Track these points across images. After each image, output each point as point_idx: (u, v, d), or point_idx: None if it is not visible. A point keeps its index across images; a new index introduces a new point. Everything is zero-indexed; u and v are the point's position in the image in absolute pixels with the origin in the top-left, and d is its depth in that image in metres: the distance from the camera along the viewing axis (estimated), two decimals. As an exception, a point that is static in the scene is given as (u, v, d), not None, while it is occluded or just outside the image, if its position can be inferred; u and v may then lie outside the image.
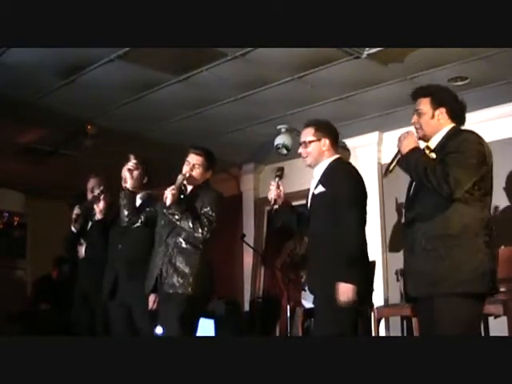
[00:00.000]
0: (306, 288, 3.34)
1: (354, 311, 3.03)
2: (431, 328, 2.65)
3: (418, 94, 2.87)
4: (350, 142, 6.07)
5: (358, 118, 5.48)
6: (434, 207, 2.66)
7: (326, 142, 3.25)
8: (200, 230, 3.42)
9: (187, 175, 3.53)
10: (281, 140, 5.64)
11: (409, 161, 2.69)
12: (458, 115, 2.83)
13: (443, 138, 2.77)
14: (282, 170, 3.37)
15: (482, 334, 4.06)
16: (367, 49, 4.03)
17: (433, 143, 2.79)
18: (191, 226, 3.42)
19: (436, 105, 2.79)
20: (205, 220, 3.45)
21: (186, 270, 3.41)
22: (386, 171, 2.84)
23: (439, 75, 4.36)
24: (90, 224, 4.39)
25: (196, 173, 3.55)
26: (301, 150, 3.30)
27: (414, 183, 2.84)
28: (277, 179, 3.31)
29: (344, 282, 2.96)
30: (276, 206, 3.32)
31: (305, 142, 3.26)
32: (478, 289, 2.59)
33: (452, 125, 2.80)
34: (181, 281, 3.39)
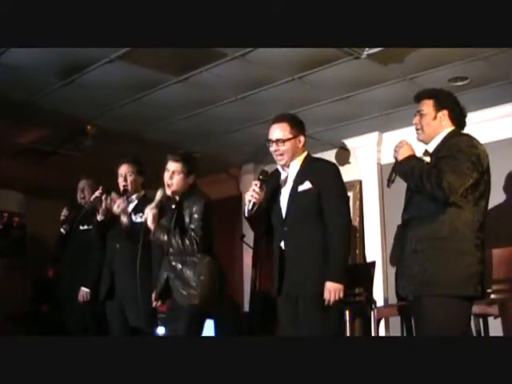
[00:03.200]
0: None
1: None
2: (420, 328, 2.69)
3: (422, 95, 2.92)
4: (349, 142, 6.07)
5: (357, 118, 5.47)
6: (427, 210, 2.71)
7: (301, 138, 3.17)
8: (190, 247, 3.38)
9: (167, 188, 3.46)
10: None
11: (404, 168, 2.75)
12: (459, 119, 2.86)
13: (441, 141, 2.80)
14: (266, 174, 3.17)
15: (482, 334, 4.06)
16: (367, 49, 4.02)
17: (431, 147, 2.84)
18: (180, 243, 3.38)
19: (438, 107, 2.83)
20: (193, 235, 3.39)
21: (196, 280, 3.41)
22: (388, 182, 2.88)
23: (439, 75, 4.36)
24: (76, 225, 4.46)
25: (176, 180, 3.46)
26: (274, 148, 3.14)
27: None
28: (260, 183, 3.10)
29: (333, 281, 2.95)
30: (254, 210, 3.10)
31: (280, 140, 3.12)
32: (464, 292, 2.61)
33: (452, 128, 2.82)
34: (193, 292, 3.39)
